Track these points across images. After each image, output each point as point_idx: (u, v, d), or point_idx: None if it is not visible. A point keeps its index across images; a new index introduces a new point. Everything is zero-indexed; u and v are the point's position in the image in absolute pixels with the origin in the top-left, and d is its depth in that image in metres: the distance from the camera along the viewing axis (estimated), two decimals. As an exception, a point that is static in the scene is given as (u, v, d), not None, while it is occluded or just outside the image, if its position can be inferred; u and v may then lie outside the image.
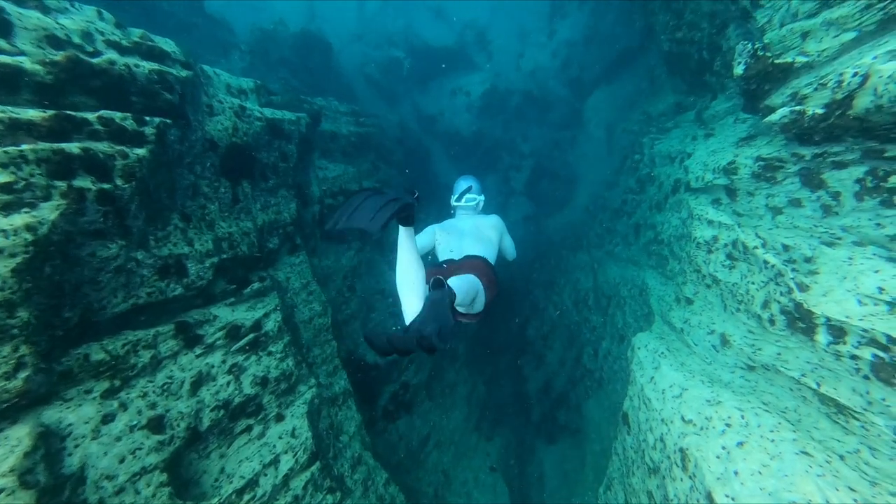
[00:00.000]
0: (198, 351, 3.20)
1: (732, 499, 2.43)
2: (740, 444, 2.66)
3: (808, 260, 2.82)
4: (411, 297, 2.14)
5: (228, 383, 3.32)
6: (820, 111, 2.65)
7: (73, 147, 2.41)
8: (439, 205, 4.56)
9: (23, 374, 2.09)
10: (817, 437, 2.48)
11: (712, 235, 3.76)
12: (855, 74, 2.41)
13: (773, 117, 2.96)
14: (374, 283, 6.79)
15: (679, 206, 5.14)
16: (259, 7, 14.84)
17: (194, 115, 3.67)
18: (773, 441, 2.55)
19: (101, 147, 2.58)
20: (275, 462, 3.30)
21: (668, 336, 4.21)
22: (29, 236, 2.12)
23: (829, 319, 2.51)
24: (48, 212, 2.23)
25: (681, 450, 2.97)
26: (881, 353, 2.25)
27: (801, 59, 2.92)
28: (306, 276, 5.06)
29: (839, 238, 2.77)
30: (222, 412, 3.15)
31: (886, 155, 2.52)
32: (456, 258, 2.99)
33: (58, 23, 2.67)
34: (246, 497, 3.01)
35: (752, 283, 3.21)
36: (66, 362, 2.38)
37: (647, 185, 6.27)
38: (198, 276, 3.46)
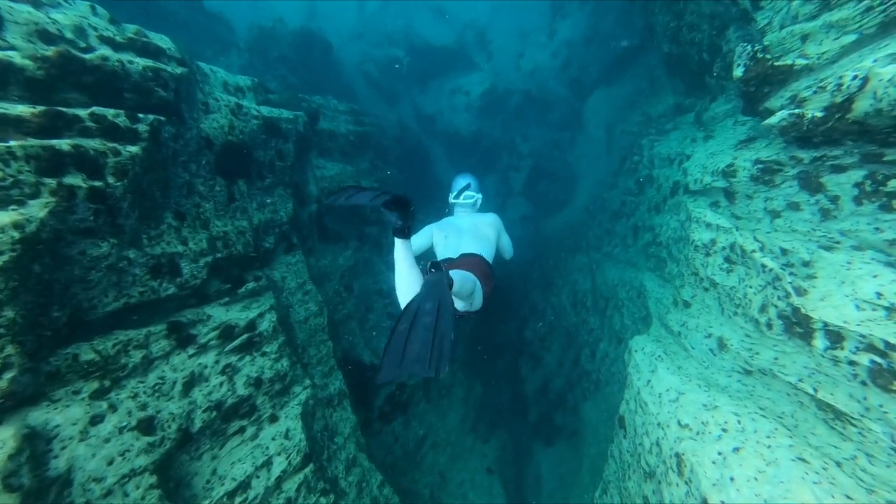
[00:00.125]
0: (190, 351, 3.16)
1: (728, 505, 2.41)
2: (736, 449, 2.64)
3: (806, 264, 2.80)
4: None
5: (221, 384, 3.29)
6: (819, 114, 2.63)
7: (64, 144, 2.38)
8: (438, 204, 4.54)
9: (8, 375, 2.06)
10: (814, 444, 2.46)
11: (710, 238, 3.73)
12: (854, 77, 2.39)
13: (772, 120, 2.93)
14: (371, 282, 6.76)
15: (677, 208, 5.12)
16: (259, 6, 14.81)
17: (189, 113, 3.64)
18: (769, 447, 2.53)
19: (93, 144, 2.55)
20: (267, 464, 3.27)
21: (665, 339, 4.19)
22: (16, 234, 2.09)
23: (826, 324, 2.49)
24: (37, 209, 2.20)
25: (677, 454, 2.95)
26: (879, 359, 2.23)
27: (801, 62, 2.90)
28: (302, 276, 5.03)
29: (838, 242, 2.75)
30: (215, 413, 3.12)
31: (885, 159, 2.50)
32: (454, 256, 2.98)
33: (50, 17, 2.63)
34: (237, 499, 2.98)
35: (750, 287, 3.19)
36: (53, 362, 2.35)
37: (645, 186, 6.25)
38: (192, 275, 3.43)
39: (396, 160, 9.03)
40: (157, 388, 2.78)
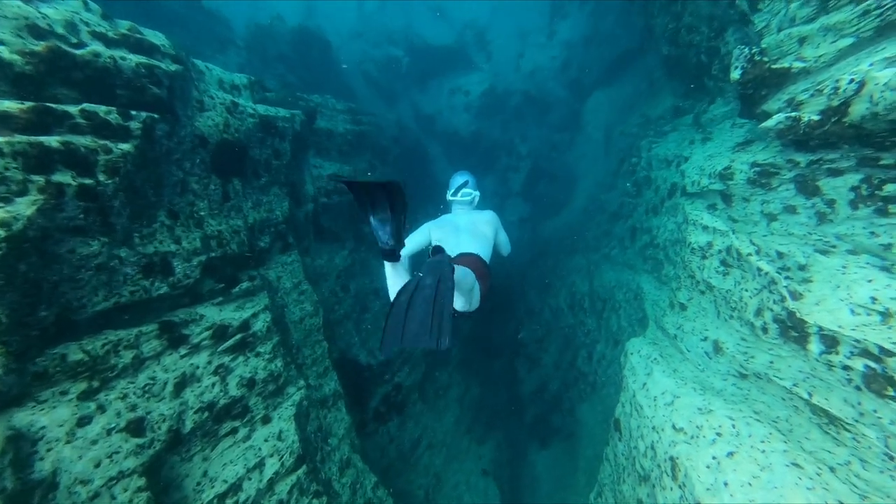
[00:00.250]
0: (182, 351, 3.13)
1: (721, 510, 2.40)
2: (731, 454, 2.62)
3: (801, 268, 2.78)
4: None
5: (214, 385, 3.26)
6: (815, 118, 2.61)
7: (53, 140, 2.34)
8: (436, 204, 4.52)
9: (-6, 375, 2.03)
10: (808, 448, 2.45)
11: (707, 241, 3.72)
12: (851, 81, 2.38)
13: (769, 123, 2.92)
14: (368, 282, 6.73)
15: (675, 210, 5.11)
16: (258, 5, 14.76)
17: (184, 111, 3.60)
18: (763, 452, 2.51)
19: (84, 141, 2.52)
20: (260, 465, 3.24)
21: (661, 342, 4.17)
22: (2, 232, 2.06)
23: (821, 329, 2.48)
24: (24, 207, 2.17)
25: (671, 458, 2.94)
26: (873, 365, 2.22)
27: (798, 65, 2.89)
28: (298, 276, 5.00)
29: (833, 246, 2.74)
30: (206, 414, 3.09)
31: (882, 163, 2.49)
32: (451, 255, 2.95)
33: (40, 12, 2.60)
34: (228, 502, 2.95)
35: (746, 291, 3.18)
36: (41, 363, 2.31)
37: (643, 188, 6.25)
38: (184, 274, 3.40)
39: (395, 160, 9.01)
40: (147, 388, 2.75)
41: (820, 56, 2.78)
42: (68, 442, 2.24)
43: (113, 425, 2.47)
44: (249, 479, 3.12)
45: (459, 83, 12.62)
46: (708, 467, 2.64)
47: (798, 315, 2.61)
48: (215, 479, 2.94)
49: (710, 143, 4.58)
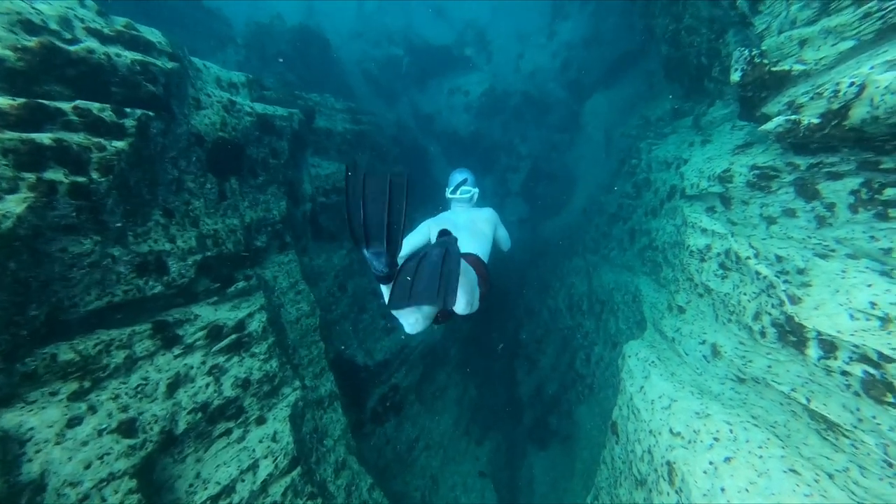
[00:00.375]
0: (176, 351, 3.10)
1: (718, 516, 2.37)
2: (728, 459, 2.60)
3: (800, 272, 2.76)
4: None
5: (208, 385, 3.23)
6: (815, 121, 2.59)
7: (45, 138, 2.32)
8: (435, 204, 4.50)
9: (-19, 375, 2.00)
10: (806, 454, 2.42)
11: (705, 244, 3.70)
12: (851, 84, 2.36)
13: (769, 126, 2.90)
14: (366, 282, 6.70)
15: (674, 212, 5.09)
16: (258, 4, 14.72)
17: (180, 109, 3.58)
18: (761, 457, 2.49)
19: (77, 139, 2.49)
20: (253, 467, 3.21)
21: (659, 344, 4.15)
22: (-8, 230, 2.03)
23: (820, 333, 2.46)
24: (14, 205, 2.14)
25: (668, 463, 2.91)
26: (872, 370, 2.19)
27: (799, 67, 2.86)
28: (295, 276, 4.97)
29: (833, 250, 2.72)
30: (200, 415, 3.06)
31: (882, 167, 2.47)
32: None
33: (34, 7, 2.57)
34: None
35: (744, 294, 3.16)
36: (30, 363, 2.28)
37: (643, 190, 6.23)
38: (179, 273, 3.37)
39: (394, 160, 8.98)
40: (139, 389, 2.72)
41: (820, 59, 2.76)
42: (58, 443, 2.21)
43: (104, 426, 2.44)
44: (243, 480, 3.09)
45: (459, 83, 12.59)
46: (705, 472, 2.62)
47: (796, 319, 2.59)
48: (208, 481, 2.91)
49: (710, 145, 4.56)
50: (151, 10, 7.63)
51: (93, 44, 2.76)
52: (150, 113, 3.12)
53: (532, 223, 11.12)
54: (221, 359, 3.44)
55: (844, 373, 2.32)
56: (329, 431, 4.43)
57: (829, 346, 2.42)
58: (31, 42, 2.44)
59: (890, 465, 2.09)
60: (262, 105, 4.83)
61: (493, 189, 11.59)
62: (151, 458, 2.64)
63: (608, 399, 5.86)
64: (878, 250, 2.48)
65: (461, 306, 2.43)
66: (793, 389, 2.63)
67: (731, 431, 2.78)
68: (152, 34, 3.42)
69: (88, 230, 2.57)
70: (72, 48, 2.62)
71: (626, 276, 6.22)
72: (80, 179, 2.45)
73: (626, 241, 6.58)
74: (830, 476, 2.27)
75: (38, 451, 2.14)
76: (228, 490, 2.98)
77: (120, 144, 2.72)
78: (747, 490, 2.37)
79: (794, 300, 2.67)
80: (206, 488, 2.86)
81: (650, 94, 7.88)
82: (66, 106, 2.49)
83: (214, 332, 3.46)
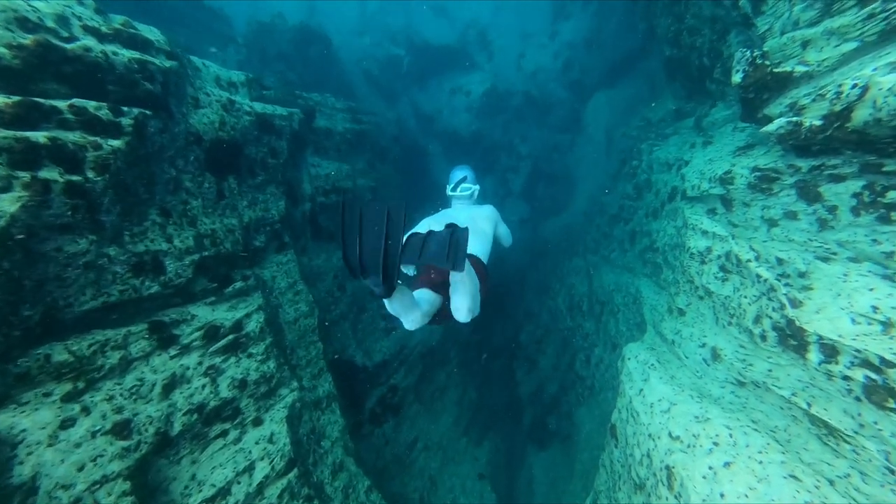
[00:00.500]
0: (172, 352, 3.09)
1: (717, 522, 2.35)
2: (727, 464, 2.57)
3: (801, 275, 2.74)
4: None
5: (204, 386, 3.21)
6: (818, 123, 2.57)
7: (40, 136, 2.30)
8: (435, 205, 4.50)
9: (-27, 376, 1.98)
10: (807, 460, 2.40)
11: (706, 246, 3.67)
12: (854, 86, 2.33)
13: (770, 127, 2.87)
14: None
15: (675, 214, 5.06)
16: (260, 4, 14.71)
17: (178, 107, 3.56)
18: (760, 463, 2.46)
19: (72, 137, 2.47)
20: (249, 469, 3.19)
21: (659, 347, 4.13)
22: (-15, 230, 2.01)
23: (821, 338, 2.43)
24: (7, 204, 2.12)
25: (667, 467, 2.89)
26: (874, 375, 2.17)
27: (801, 69, 2.84)
28: (293, 276, 4.95)
29: (834, 253, 2.69)
30: (196, 416, 3.05)
31: (885, 169, 2.44)
32: None
33: (30, 5, 2.55)
34: (216, 505, 2.91)
35: (745, 297, 3.13)
36: (23, 363, 2.27)
37: (644, 191, 6.20)
38: (176, 273, 3.35)
39: (394, 159, 8.96)
40: (134, 389, 2.70)
41: (823, 60, 2.73)
42: (50, 445, 2.19)
43: (98, 427, 2.42)
44: (238, 482, 3.07)
45: (460, 83, 12.55)
46: (704, 478, 2.59)
47: (797, 323, 2.57)
48: (203, 483, 2.89)
49: (711, 146, 4.53)
50: (152, 8, 7.62)
51: (90, 42, 2.75)
52: (148, 112, 3.10)
53: (533, 223, 11.09)
54: (218, 359, 3.43)
55: (846, 377, 2.29)
56: (327, 433, 4.41)
57: (830, 351, 2.39)
58: (27, 40, 2.42)
59: (892, 471, 2.06)
60: (262, 104, 4.81)
61: (494, 189, 11.56)
62: (146, 460, 2.63)
63: (608, 401, 5.83)
64: (881, 254, 2.45)
65: (463, 313, 2.42)
66: (793, 394, 2.60)
67: (730, 436, 2.75)
68: (151, 32, 3.40)
69: (84, 229, 2.56)
70: (68, 46, 2.60)
71: (627, 277, 6.20)
72: (76, 178, 2.44)
73: (626, 243, 6.56)
74: (831, 482, 2.24)
75: (29, 454, 2.12)
76: (224, 492, 2.97)
77: (116, 143, 2.71)
78: (747, 496, 2.35)
79: (795, 303, 2.65)
80: (200, 490, 2.84)
81: (652, 95, 7.84)
82: (61, 104, 2.48)
83: (211, 333, 3.45)
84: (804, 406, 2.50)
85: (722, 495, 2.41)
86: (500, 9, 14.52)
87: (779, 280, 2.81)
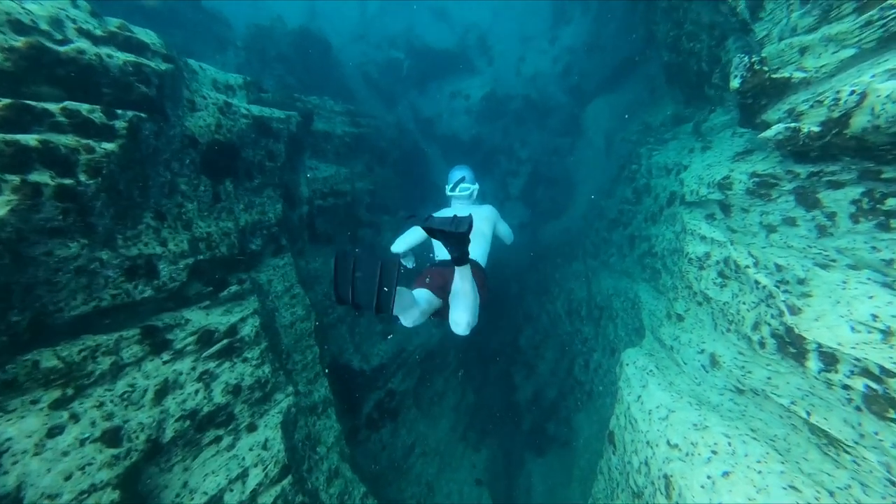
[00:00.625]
0: (165, 357, 3.05)
1: (715, 533, 2.31)
2: (726, 473, 2.54)
3: (800, 281, 2.71)
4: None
5: (197, 391, 3.17)
6: (816, 129, 2.55)
7: (31, 139, 2.27)
8: (434, 208, 4.49)
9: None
10: (806, 470, 2.36)
11: (704, 251, 3.65)
12: (852, 93, 2.32)
13: (768, 133, 2.86)
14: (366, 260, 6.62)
15: (673, 219, 5.04)
16: (259, 6, 14.74)
17: (173, 110, 3.54)
18: (759, 472, 2.43)
19: (64, 140, 2.44)
20: (243, 476, 3.15)
21: (657, 353, 4.10)
22: (-27, 234, 1.98)
23: (820, 346, 2.41)
24: (-4, 208, 2.10)
25: (665, 476, 2.85)
26: (874, 385, 2.14)
27: (799, 75, 2.83)
28: (290, 279, 4.92)
29: (833, 260, 2.67)
30: (188, 422, 3.00)
31: (883, 176, 2.43)
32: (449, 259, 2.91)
33: (24, 7, 2.53)
34: (208, 513, 2.86)
35: (743, 304, 3.10)
36: (10, 370, 2.23)
37: (643, 196, 6.18)
38: (170, 277, 3.32)
39: (394, 163, 8.95)
40: (125, 396, 2.66)
41: (821, 66, 2.72)
42: (36, 454, 2.15)
43: (86, 435, 2.38)
44: (231, 490, 3.03)
45: (460, 86, 12.56)
46: (702, 487, 2.56)
47: (796, 330, 2.54)
48: (195, 491, 2.85)
49: (710, 151, 4.51)
50: (151, 11, 7.62)
51: (84, 44, 2.73)
52: (143, 114, 3.08)
53: (532, 227, 11.07)
54: (212, 364, 3.39)
55: (846, 387, 2.26)
56: (322, 438, 4.37)
57: (829, 359, 2.37)
58: (19, 42, 2.40)
59: (893, 483, 2.03)
60: (259, 107, 4.80)
61: (494, 193, 11.55)
62: (136, 468, 2.58)
63: (606, 407, 5.79)
64: (880, 261, 2.43)
65: (462, 327, 2.42)
66: (793, 402, 2.57)
67: (729, 444, 2.72)
68: (147, 35, 3.38)
69: (75, 233, 2.53)
70: (61, 49, 2.58)
71: (626, 282, 6.17)
72: (67, 181, 2.41)
73: (625, 247, 6.54)
74: (831, 493, 2.21)
75: (14, 463, 2.08)
76: (216, 500, 2.92)
77: (110, 146, 2.68)
78: (745, 507, 2.31)
79: (794, 310, 2.62)
80: (192, 498, 2.80)
81: (651, 100, 7.85)
82: (53, 107, 2.45)
83: (205, 337, 3.41)
84: (804, 415, 2.47)
85: (720, 506, 2.38)
86: (500, 13, 14.56)
87: (777, 287, 2.79)
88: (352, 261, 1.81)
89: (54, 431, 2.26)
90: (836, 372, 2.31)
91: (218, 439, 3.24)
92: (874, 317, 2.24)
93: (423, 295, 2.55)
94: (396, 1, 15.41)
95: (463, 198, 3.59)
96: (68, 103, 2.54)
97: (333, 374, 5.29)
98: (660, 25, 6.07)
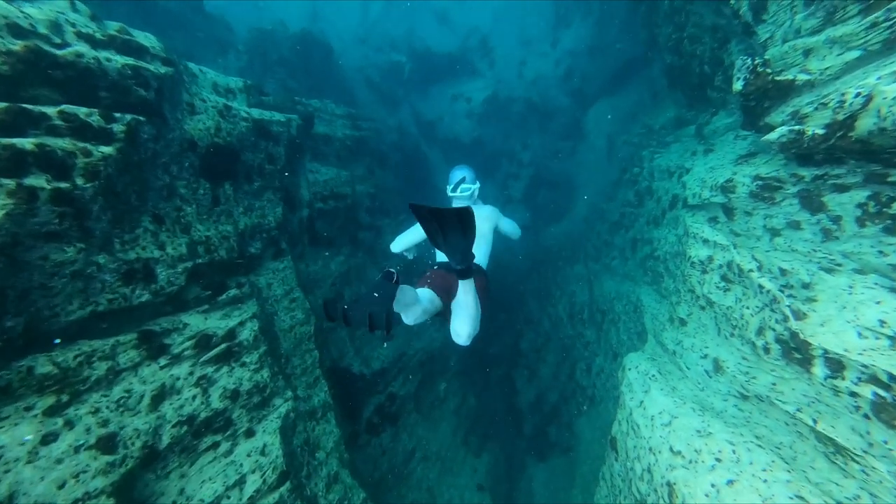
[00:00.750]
0: (162, 362, 3.02)
1: (720, 544, 2.26)
2: (730, 482, 2.49)
3: (805, 286, 2.67)
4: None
5: (195, 397, 3.14)
6: (820, 132, 2.52)
7: (26, 142, 2.26)
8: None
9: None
10: (814, 479, 2.31)
11: (707, 255, 3.61)
12: (858, 95, 2.28)
13: (772, 136, 2.82)
14: (364, 289, 6.60)
15: (676, 222, 5.01)
16: (261, 9, 14.83)
17: (172, 114, 3.53)
18: (765, 481, 2.38)
19: (61, 144, 2.43)
20: (240, 483, 3.11)
21: (660, 358, 4.05)
22: (-33, 239, 1.97)
23: (826, 351, 2.36)
24: (-9, 212, 2.08)
25: (668, 483, 2.80)
26: (882, 392, 2.09)
27: (803, 77, 2.79)
28: (290, 283, 4.90)
29: (839, 264, 2.62)
30: (185, 428, 2.97)
31: (890, 179, 2.38)
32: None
33: (22, 11, 2.53)
34: (205, 521, 2.83)
35: (747, 308, 3.06)
36: (5, 376, 2.20)
37: (645, 198, 6.15)
38: (168, 281, 3.30)
39: (395, 166, 8.94)
40: (121, 402, 2.64)
41: (826, 69, 2.68)
42: (29, 462, 2.12)
43: (81, 442, 2.35)
44: (228, 497, 2.99)
45: (461, 90, 12.57)
46: (707, 496, 2.51)
47: (801, 336, 2.49)
48: (192, 498, 2.81)
49: (713, 154, 4.48)
50: (152, 15, 7.65)
51: (82, 48, 2.72)
52: (141, 118, 3.07)
53: (534, 230, 11.03)
54: (210, 369, 3.36)
55: (853, 394, 2.22)
56: (321, 444, 4.33)
57: (836, 365, 2.32)
58: (16, 45, 2.39)
59: (903, 494, 1.98)
60: (259, 110, 4.79)
61: (495, 196, 11.53)
62: (132, 475, 2.55)
63: (609, 412, 5.74)
64: (887, 266, 2.39)
65: (463, 338, 2.40)
66: (798, 409, 2.52)
67: (733, 452, 2.67)
68: (146, 39, 3.38)
69: (72, 237, 2.51)
70: (59, 52, 2.57)
71: (628, 285, 6.13)
72: (64, 185, 2.39)
73: (627, 250, 6.50)
74: (839, 504, 2.16)
75: (7, 471, 2.05)
76: (212, 507, 2.89)
77: (107, 149, 2.67)
78: (751, 517, 2.26)
79: (799, 315, 2.58)
80: (188, 505, 2.77)
81: (653, 103, 7.82)
82: (50, 111, 2.44)
83: (203, 342, 3.38)
84: (810, 422, 2.42)
85: (725, 516, 2.33)
86: (502, 16, 14.60)
87: (782, 291, 2.74)
88: (341, 314, 1.88)
89: (48, 438, 2.23)
90: (843, 379, 2.27)
91: (215, 445, 3.21)
92: (882, 322, 2.20)
93: (425, 294, 2.53)
94: (398, 4, 15.47)
95: (464, 198, 3.59)
96: (66, 107, 2.52)
97: (333, 378, 5.26)
98: (662, 28, 6.05)
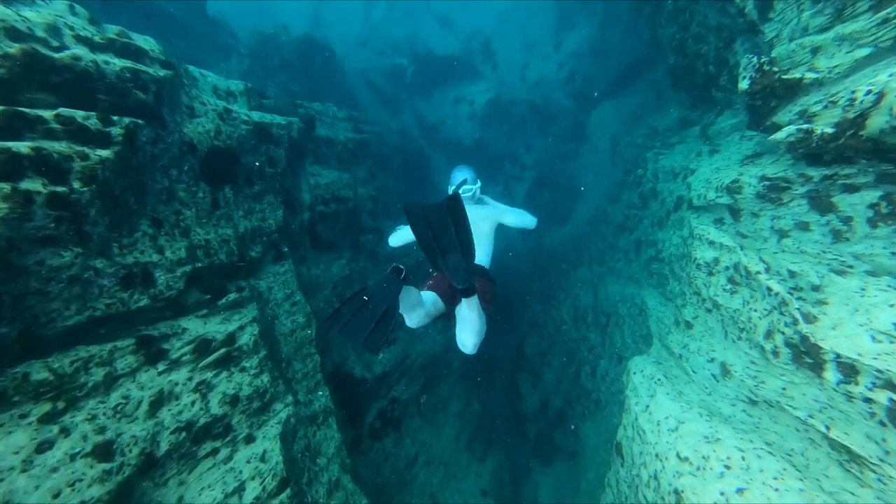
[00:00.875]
0: (161, 367, 2.99)
1: (731, 555, 2.19)
2: (740, 490, 2.42)
3: (815, 288, 2.60)
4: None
5: (193, 402, 3.10)
6: (830, 131, 2.46)
7: (22, 146, 2.24)
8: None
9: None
10: (828, 488, 2.24)
11: (713, 257, 3.54)
12: (868, 93, 2.23)
13: (779, 135, 2.76)
14: (371, 281, 6.55)
15: (681, 223, 4.94)
16: (264, 12, 14.91)
17: (171, 117, 3.51)
18: (777, 490, 2.31)
19: (58, 147, 2.41)
20: (239, 490, 3.07)
21: (665, 361, 3.98)
22: (-38, 244, 1.94)
23: (838, 356, 2.29)
24: (-14, 217, 2.06)
25: (675, 491, 2.73)
26: (899, 399, 2.02)
27: (811, 76, 2.73)
28: (291, 286, 4.86)
29: (850, 266, 2.56)
30: (184, 434, 2.93)
31: (904, 179, 2.32)
32: None
33: (20, 15, 2.52)
34: (203, 529, 2.78)
35: (755, 311, 2.99)
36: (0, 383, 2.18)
37: (649, 200, 6.08)
38: (167, 285, 3.27)
39: (396, 169, 8.92)
40: (119, 408, 2.60)
41: (834, 67, 2.63)
42: (24, 470, 2.08)
43: (77, 450, 2.31)
44: (227, 504, 2.95)
45: (464, 92, 12.56)
46: (716, 505, 2.44)
47: (812, 340, 2.43)
48: (190, 505, 2.77)
49: (718, 155, 4.42)
50: (154, 19, 7.68)
51: (80, 51, 2.70)
52: (140, 121, 3.05)
53: (537, 233, 10.97)
54: (209, 374, 3.32)
55: (867, 399, 2.15)
56: (322, 449, 4.28)
57: (849, 370, 2.25)
58: (13, 49, 2.38)
59: (921, 504, 1.91)
60: (259, 113, 4.77)
61: (497, 198, 11.50)
62: (129, 483, 2.51)
63: (614, 416, 5.65)
64: (901, 268, 2.32)
65: (468, 348, 2.36)
66: (810, 415, 2.45)
67: (743, 459, 2.60)
68: (146, 42, 3.37)
69: (69, 242, 2.48)
70: (56, 55, 2.56)
71: (632, 288, 6.05)
72: (60, 189, 2.37)
73: (631, 253, 6.42)
74: (854, 514, 2.08)
75: (0, 481, 2.02)
76: (211, 515, 2.84)
77: (105, 153, 2.64)
78: (763, 527, 2.19)
79: (809, 319, 2.51)
80: (186, 513, 2.72)
81: (657, 104, 7.76)
82: (47, 114, 2.42)
83: (202, 347, 3.35)
84: (822, 429, 2.35)
85: (736, 526, 2.26)
86: (504, 19, 14.59)
87: (791, 294, 2.68)
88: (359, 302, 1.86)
89: (43, 446, 2.20)
90: (857, 384, 2.20)
91: (215, 451, 3.17)
92: (896, 326, 2.13)
93: (429, 297, 2.49)
94: (401, 7, 15.50)
95: (466, 199, 3.54)
96: (62, 110, 2.51)
97: (335, 382, 5.21)
98: (665, 28, 6.00)
